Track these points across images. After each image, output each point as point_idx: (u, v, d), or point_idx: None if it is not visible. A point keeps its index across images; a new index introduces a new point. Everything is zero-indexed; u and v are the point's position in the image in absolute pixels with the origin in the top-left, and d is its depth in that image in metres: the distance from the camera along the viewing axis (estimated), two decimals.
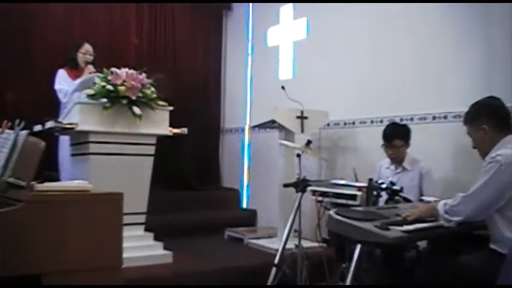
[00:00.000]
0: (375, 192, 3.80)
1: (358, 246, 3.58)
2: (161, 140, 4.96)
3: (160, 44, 7.69)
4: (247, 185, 7.63)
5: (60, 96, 5.59)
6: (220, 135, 8.18)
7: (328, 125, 5.97)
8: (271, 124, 5.71)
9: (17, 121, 2.94)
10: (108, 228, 2.40)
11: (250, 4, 7.81)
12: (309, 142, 4.64)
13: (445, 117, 4.98)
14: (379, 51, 5.64)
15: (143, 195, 4.80)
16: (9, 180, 2.52)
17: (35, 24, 6.63)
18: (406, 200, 3.87)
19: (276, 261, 4.11)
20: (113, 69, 4.63)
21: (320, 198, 4.44)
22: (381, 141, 4.67)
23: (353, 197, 4.28)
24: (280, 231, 5.45)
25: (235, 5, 8.19)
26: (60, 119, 4.68)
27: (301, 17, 6.67)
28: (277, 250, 4.23)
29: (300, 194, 4.26)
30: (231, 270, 4.87)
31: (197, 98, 7.84)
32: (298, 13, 6.77)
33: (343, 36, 6.09)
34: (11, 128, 2.99)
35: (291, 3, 6.88)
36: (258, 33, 7.63)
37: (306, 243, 4.51)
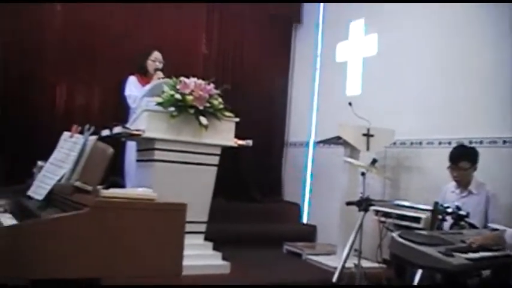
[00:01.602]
0: (440, 216, 3.71)
1: (420, 270, 3.50)
2: (225, 149, 5.00)
3: (228, 55, 7.77)
4: (309, 200, 7.57)
5: (130, 101, 5.71)
6: (284, 148, 8.17)
7: (394, 143, 5.85)
8: (336, 140, 5.65)
9: (87, 126, 3.01)
10: (170, 237, 2.41)
11: (321, 18, 7.78)
12: (374, 161, 4.58)
13: None
14: (449, 70, 5.51)
15: (205, 204, 4.84)
16: (76, 184, 2.57)
17: (106, 32, 6.82)
18: (472, 227, 3.76)
19: (335, 279, 4.07)
20: (182, 78, 4.70)
21: (383, 219, 4.38)
22: (448, 164, 4.56)
23: (417, 219, 4.19)
24: (339, 248, 5.38)
25: (305, 18, 8.18)
26: (128, 125, 4.77)
27: (372, 33, 6.61)
28: (335, 268, 4.19)
29: (362, 213, 4.20)
30: (288, 285, 4.83)
31: (263, 110, 7.86)
32: (369, 29, 6.71)
33: (413, 53, 5.98)
34: (81, 132, 3.07)
35: (362, 19, 6.82)
36: (326, 48, 7.59)
37: (365, 263, 4.45)
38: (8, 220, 2.51)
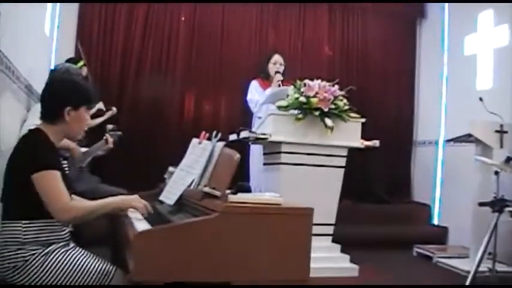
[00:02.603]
0: None
1: None
2: (352, 151, 4.96)
3: (352, 55, 7.71)
4: (440, 200, 7.32)
5: (251, 106, 5.84)
6: (413, 147, 7.95)
7: None
8: (467, 138, 5.43)
9: (214, 132, 3.11)
10: (297, 242, 2.43)
11: (446, 11, 7.51)
12: (508, 159, 4.35)
13: None
14: None
15: (332, 206, 4.83)
16: (205, 190, 2.66)
17: (231, 39, 7.08)
18: None
19: (468, 283, 3.91)
20: (306, 81, 4.72)
21: None
22: None
23: None
24: (472, 251, 5.15)
25: (429, 12, 7.95)
26: (253, 129, 4.86)
27: (502, 24, 6.28)
28: (468, 272, 4.05)
29: (496, 214, 4.01)
30: None
31: (389, 109, 7.74)
32: (498, 19, 6.38)
33: None
34: (209, 138, 3.17)
35: (491, 9, 6.50)
36: (453, 42, 7.31)
37: (500, 267, 4.25)
38: (141, 224, 2.64)
